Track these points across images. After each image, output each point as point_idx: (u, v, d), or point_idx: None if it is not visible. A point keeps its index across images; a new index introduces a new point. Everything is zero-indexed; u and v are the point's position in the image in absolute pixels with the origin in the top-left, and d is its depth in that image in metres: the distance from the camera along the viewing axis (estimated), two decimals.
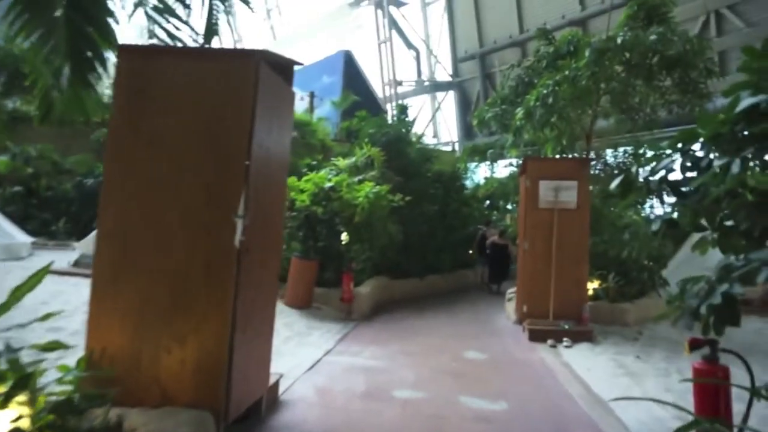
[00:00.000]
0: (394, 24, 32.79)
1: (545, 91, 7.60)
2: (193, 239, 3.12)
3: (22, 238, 11.30)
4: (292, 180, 9.74)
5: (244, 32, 39.40)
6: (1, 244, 10.55)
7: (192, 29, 3.78)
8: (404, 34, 33.10)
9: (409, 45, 33.37)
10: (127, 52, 3.20)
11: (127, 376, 3.01)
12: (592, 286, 8.53)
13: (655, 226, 3.14)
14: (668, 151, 3.39)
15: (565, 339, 7.06)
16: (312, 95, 26.38)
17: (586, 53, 7.15)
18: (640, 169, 4.10)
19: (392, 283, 10.90)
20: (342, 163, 11.52)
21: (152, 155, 3.18)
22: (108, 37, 3.84)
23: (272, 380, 3.94)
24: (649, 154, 11.82)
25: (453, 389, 4.96)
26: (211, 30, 3.86)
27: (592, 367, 5.85)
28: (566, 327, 7.29)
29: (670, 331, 8.13)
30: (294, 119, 14.29)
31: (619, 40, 6.98)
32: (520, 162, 12.15)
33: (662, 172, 3.48)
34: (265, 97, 3.30)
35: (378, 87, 32.38)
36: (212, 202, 3.13)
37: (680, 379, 5.44)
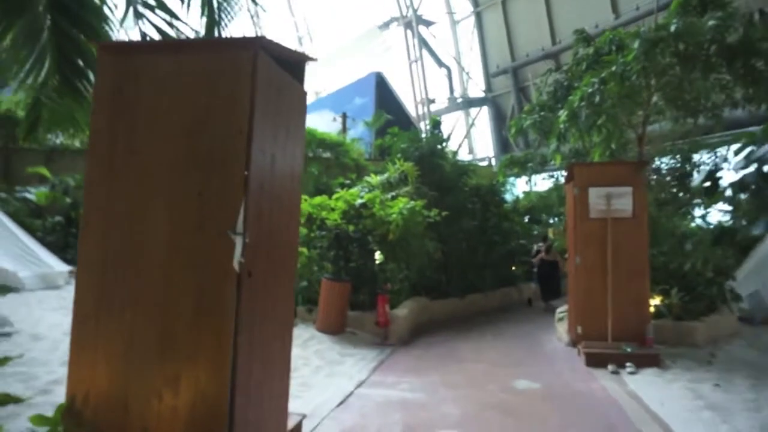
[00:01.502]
0: (424, 43, 32.60)
1: (590, 90, 6.91)
2: (185, 264, 2.65)
3: (59, 266, 11.30)
4: (323, 199, 9.35)
5: None
6: (38, 273, 10.54)
7: (188, 25, 3.40)
8: (434, 52, 32.83)
9: (440, 63, 33.05)
10: (107, 49, 2.81)
11: (111, 427, 2.54)
12: (654, 302, 7.66)
13: (757, 230, 2.50)
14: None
15: (628, 364, 6.25)
16: (344, 116, 26.34)
17: (635, 44, 6.45)
18: (725, 164, 3.46)
19: (431, 304, 10.26)
20: (375, 179, 11.09)
21: (136, 167, 2.75)
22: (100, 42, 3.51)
23: (292, 423, 3.40)
24: (706, 157, 10.94)
25: (504, 429, 4.30)
26: (213, 24, 3.48)
27: (665, 399, 5.05)
28: (628, 350, 6.47)
29: (748, 353, 7.19)
30: (327, 140, 14.16)
31: (672, 28, 6.25)
32: (564, 171, 11.42)
33: (754, 165, 2.85)
34: (268, 94, 2.84)
35: (411, 106, 32.16)
36: (206, 219, 2.66)
37: None
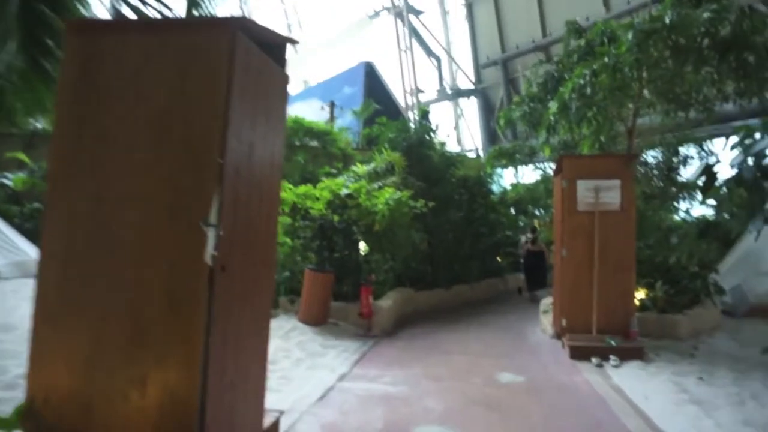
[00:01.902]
0: (414, 33, 32.28)
1: (582, 82, 6.82)
2: (153, 259, 2.50)
3: (36, 254, 11.07)
4: (307, 188, 9.20)
5: None
6: (14, 261, 10.28)
7: (165, 5, 3.23)
8: (425, 42, 32.54)
9: (430, 53, 32.79)
10: (74, 27, 2.63)
11: (75, 429, 2.41)
12: (639, 295, 7.66)
13: (750, 228, 2.42)
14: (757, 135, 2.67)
15: (612, 357, 6.24)
16: (332, 105, 26.04)
17: (629, 36, 6.35)
18: (712, 158, 3.39)
19: (416, 295, 10.20)
20: (361, 169, 10.95)
21: (102, 155, 2.58)
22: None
23: (268, 421, 3.29)
24: (693, 151, 10.94)
25: (488, 424, 4.23)
26: (192, 5, 3.30)
27: (649, 393, 5.03)
28: (612, 343, 6.46)
29: (730, 345, 7.24)
30: (315, 129, 13.92)
31: (667, 20, 6.15)
32: (552, 163, 11.36)
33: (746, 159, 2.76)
34: (247, 78, 2.69)
35: (400, 96, 31.93)
36: (177, 211, 2.51)
37: (758, 408, 4.61)
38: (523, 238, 13.01)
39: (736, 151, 2.65)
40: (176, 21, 2.74)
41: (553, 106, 7.49)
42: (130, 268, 2.51)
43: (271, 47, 3.13)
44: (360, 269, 8.58)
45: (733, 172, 2.72)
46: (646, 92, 7.46)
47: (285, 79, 3.25)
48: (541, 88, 9.78)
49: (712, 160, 2.57)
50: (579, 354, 6.46)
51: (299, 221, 8.71)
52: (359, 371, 5.76)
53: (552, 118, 7.50)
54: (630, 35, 6.35)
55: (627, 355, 6.28)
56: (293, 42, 3.29)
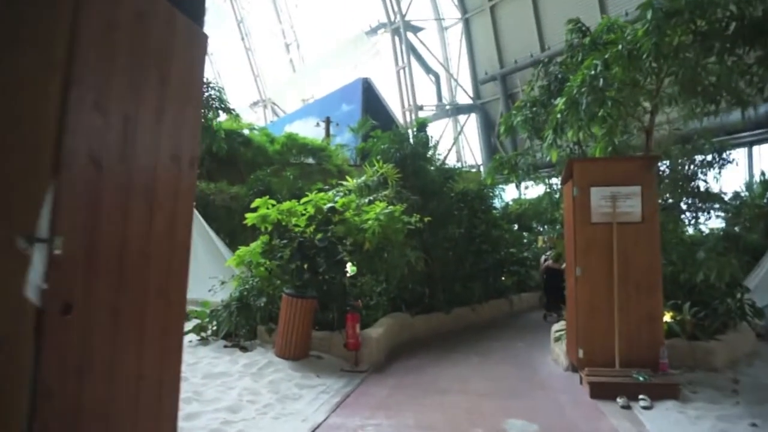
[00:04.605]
0: (412, 49, 31.81)
1: (593, 72, 5.94)
2: None
3: None
4: (292, 203, 8.30)
5: (263, 65, 39.35)
6: None
7: None
8: (423, 58, 32.06)
9: (428, 69, 32.28)
10: None
11: None
12: (665, 319, 6.66)
13: None
14: None
15: (641, 396, 5.21)
16: (328, 120, 25.38)
17: (647, 15, 5.47)
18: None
19: (413, 321, 9.19)
20: (351, 182, 10.06)
21: None
22: None
23: None
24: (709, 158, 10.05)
25: None
26: None
27: None
28: (641, 378, 5.45)
29: None
30: (309, 145, 13.14)
31: None
32: (557, 179, 10.49)
33: None
34: (113, 16, 1.79)
35: (398, 113, 31.29)
36: None
37: None
38: (542, 258, 12.15)
39: None
40: None
41: (560, 102, 6.58)
42: None
43: None
44: (347, 293, 7.61)
45: None
46: (666, 84, 6.52)
47: (199, 37, 2.34)
48: (544, 91, 8.93)
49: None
50: (601, 392, 5.44)
51: (276, 240, 7.78)
52: (337, 419, 4.76)
53: (559, 116, 6.59)
54: (649, 14, 5.46)
55: (659, 393, 5.26)
56: None
